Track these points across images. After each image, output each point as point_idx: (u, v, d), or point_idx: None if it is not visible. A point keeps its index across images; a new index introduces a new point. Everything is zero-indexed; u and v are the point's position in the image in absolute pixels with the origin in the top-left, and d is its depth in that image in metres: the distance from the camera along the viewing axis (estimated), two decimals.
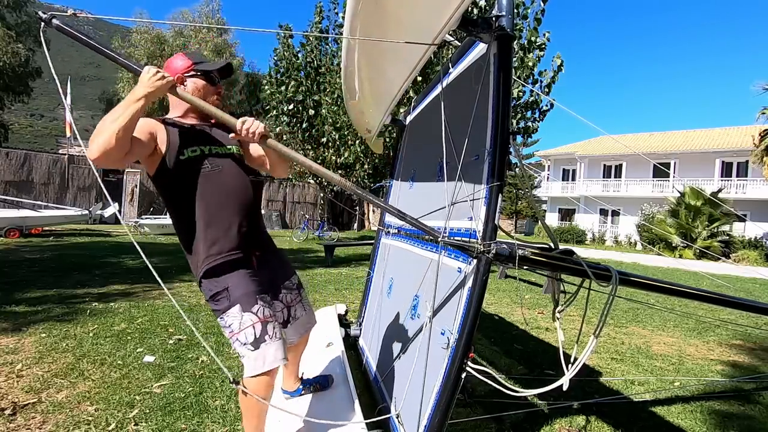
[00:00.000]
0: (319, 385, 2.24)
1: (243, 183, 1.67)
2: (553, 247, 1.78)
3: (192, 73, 1.68)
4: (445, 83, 2.23)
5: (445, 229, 1.85)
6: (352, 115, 3.16)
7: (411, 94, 8.16)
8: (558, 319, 1.80)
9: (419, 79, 8.64)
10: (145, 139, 1.50)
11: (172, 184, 1.58)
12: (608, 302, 1.68)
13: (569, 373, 1.54)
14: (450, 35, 1.84)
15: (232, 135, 1.59)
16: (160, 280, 1.57)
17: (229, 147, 1.70)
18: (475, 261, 1.53)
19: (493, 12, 1.57)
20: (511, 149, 1.69)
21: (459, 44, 2.07)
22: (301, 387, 2.17)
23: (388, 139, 10.23)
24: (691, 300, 2.82)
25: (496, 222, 1.51)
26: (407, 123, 3.44)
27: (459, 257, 1.72)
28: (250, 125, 1.56)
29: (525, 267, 1.69)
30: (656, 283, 2.00)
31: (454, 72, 2.17)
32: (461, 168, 1.81)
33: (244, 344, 1.53)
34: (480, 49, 1.83)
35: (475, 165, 1.71)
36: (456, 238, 1.71)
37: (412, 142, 3.25)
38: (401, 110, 6.10)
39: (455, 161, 1.87)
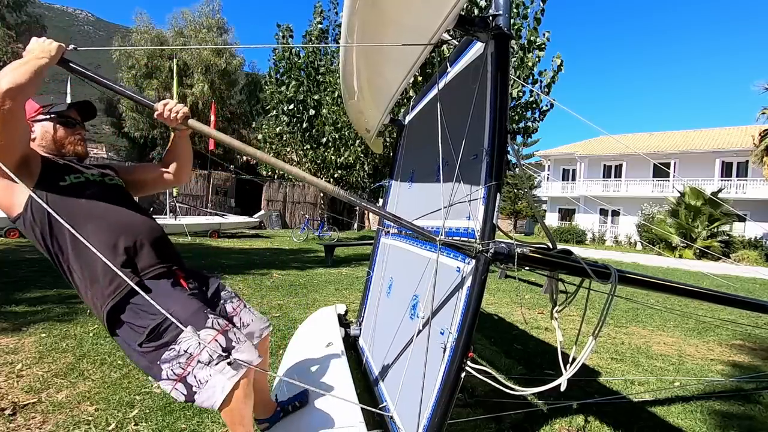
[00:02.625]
0: (298, 402, 2.03)
1: (136, 209, 1.57)
2: (551, 247, 1.78)
3: (41, 117, 1.51)
4: (442, 83, 2.23)
5: (443, 229, 1.85)
6: (351, 114, 3.16)
7: (411, 93, 8.16)
8: (556, 318, 1.80)
9: (419, 78, 8.65)
10: (27, 140, 1.40)
11: (58, 214, 1.37)
12: (608, 301, 1.68)
13: (567, 373, 1.54)
14: (448, 34, 1.84)
15: (156, 114, 1.51)
16: (137, 288, 1.41)
17: (110, 178, 1.60)
18: (473, 260, 1.53)
19: (490, 11, 1.56)
20: (509, 149, 1.68)
21: (457, 43, 2.06)
22: (279, 409, 1.98)
23: (387, 139, 10.25)
24: (691, 299, 2.82)
25: (494, 221, 1.51)
26: (406, 123, 3.44)
27: (458, 257, 1.72)
28: (173, 106, 1.50)
29: (525, 267, 1.69)
30: (655, 281, 1.99)
31: (452, 71, 2.17)
32: (459, 168, 1.81)
33: (209, 363, 1.34)
34: (477, 48, 1.83)
35: (473, 164, 1.71)
36: (455, 237, 1.71)
37: (410, 142, 3.25)
38: (401, 110, 6.10)
39: (453, 161, 1.87)
